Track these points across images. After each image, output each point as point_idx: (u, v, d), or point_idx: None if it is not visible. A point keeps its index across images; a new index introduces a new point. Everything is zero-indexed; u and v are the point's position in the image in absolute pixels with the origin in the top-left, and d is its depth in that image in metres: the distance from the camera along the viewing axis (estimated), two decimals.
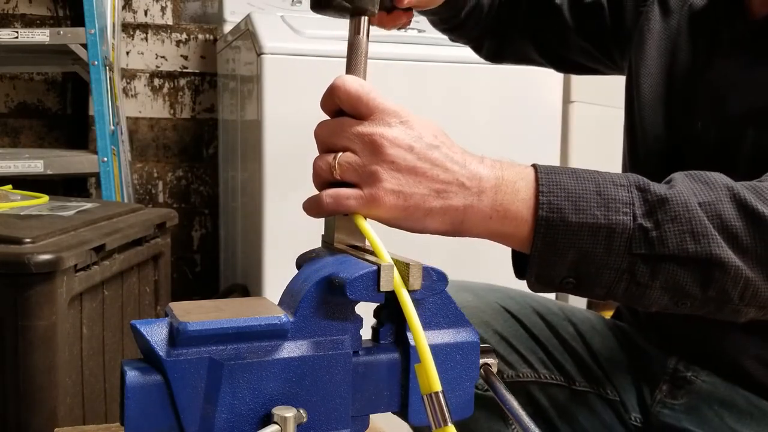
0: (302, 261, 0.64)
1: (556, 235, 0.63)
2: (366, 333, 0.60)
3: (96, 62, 1.86)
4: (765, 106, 0.83)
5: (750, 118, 0.84)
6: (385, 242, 0.58)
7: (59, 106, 2.39)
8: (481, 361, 0.62)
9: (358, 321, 0.58)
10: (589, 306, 2.09)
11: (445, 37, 1.18)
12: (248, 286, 1.90)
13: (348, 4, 0.70)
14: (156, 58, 2.43)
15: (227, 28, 2.20)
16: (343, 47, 0.71)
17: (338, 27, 0.97)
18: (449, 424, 0.54)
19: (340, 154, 0.62)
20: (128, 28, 2.39)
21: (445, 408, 0.54)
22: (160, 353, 0.52)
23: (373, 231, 0.60)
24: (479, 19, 1.11)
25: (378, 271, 0.56)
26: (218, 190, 2.43)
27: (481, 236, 0.66)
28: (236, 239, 2.11)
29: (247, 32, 1.82)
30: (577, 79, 2.09)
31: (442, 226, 0.64)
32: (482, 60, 1.22)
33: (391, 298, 0.56)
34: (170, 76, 2.44)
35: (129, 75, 2.40)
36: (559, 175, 0.64)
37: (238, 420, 0.54)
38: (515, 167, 0.65)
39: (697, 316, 0.69)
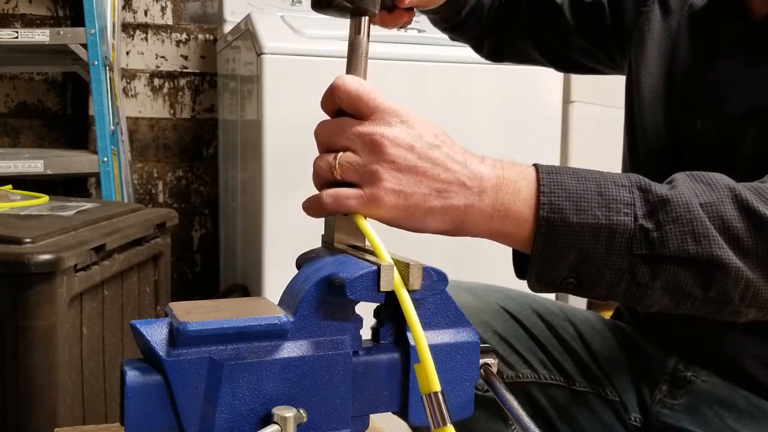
0: (302, 261, 0.64)
1: (557, 236, 0.63)
2: (366, 333, 0.60)
3: (96, 62, 1.86)
4: (765, 106, 0.83)
5: (750, 118, 0.84)
6: (385, 242, 0.58)
7: (59, 106, 2.39)
8: (481, 361, 0.62)
9: (358, 321, 0.58)
10: (589, 306, 2.09)
11: (445, 37, 1.18)
12: (248, 286, 1.90)
13: (349, 4, 0.70)
14: (156, 58, 2.43)
15: (227, 28, 2.20)
16: (343, 47, 0.71)
17: (338, 27, 0.97)
18: (448, 424, 0.54)
19: (340, 153, 0.62)
20: (128, 28, 2.39)
21: (444, 408, 0.54)
22: (160, 353, 0.52)
23: (373, 231, 0.60)
24: (479, 19, 1.11)
25: (378, 271, 0.56)
26: (218, 190, 2.43)
27: (482, 236, 0.66)
28: (236, 239, 2.11)
29: (247, 32, 1.82)
30: (577, 79, 2.09)
31: (442, 226, 0.64)
32: (482, 60, 1.22)
33: (391, 298, 0.56)
34: (170, 76, 2.44)
35: (129, 75, 2.40)
36: (561, 175, 0.64)
37: (238, 420, 0.54)
38: (516, 167, 0.65)
39: (697, 316, 0.68)
